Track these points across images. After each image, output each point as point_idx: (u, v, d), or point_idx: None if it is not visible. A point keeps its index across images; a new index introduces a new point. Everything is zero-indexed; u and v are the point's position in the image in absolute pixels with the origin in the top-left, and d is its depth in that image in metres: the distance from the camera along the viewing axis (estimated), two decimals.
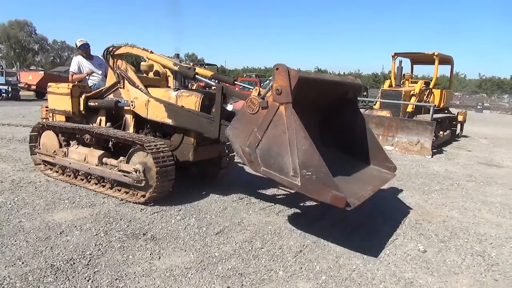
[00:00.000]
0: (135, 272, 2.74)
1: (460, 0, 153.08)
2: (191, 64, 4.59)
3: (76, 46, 6.22)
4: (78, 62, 6.09)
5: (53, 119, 5.34)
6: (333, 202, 2.78)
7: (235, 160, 5.40)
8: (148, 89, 4.50)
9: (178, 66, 4.24)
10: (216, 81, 4.30)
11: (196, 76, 4.18)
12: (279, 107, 3.04)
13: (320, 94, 3.69)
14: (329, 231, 3.70)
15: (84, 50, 6.17)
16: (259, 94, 3.31)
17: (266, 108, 3.12)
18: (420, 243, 3.61)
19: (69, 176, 4.77)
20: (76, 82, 5.45)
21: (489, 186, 6.11)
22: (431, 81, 11.79)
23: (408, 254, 3.35)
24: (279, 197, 4.79)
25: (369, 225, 3.98)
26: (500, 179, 6.67)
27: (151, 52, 4.55)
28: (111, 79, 4.90)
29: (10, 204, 3.88)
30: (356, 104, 4.23)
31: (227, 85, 4.29)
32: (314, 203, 4.63)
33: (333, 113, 4.09)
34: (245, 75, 37.89)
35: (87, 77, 6.01)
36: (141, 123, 4.68)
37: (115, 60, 4.77)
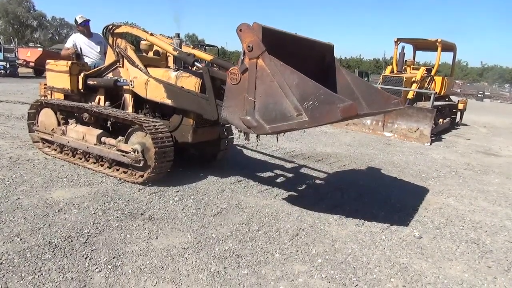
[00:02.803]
0: (132, 251, 2.77)
1: None
2: (191, 46, 4.53)
3: (76, 22, 6.10)
4: (74, 40, 6.00)
5: (51, 96, 5.29)
6: (345, 114, 2.70)
7: (234, 143, 5.40)
8: (148, 68, 4.44)
9: (178, 52, 4.17)
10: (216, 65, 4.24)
11: (195, 63, 4.13)
12: (257, 62, 3.01)
13: (297, 55, 3.57)
14: (326, 216, 3.73)
15: (85, 26, 6.07)
16: None
17: (246, 70, 3.09)
18: (415, 229, 3.64)
19: (67, 154, 4.76)
20: (74, 59, 5.38)
21: (486, 175, 6.14)
22: (433, 68, 11.71)
23: (404, 239, 3.38)
24: (277, 180, 4.81)
25: (365, 210, 4.00)
26: (497, 168, 6.70)
27: (151, 34, 4.47)
28: (110, 57, 4.83)
29: (8, 181, 3.88)
30: (335, 67, 4.10)
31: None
32: (311, 188, 4.65)
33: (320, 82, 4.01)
34: None
35: (83, 56, 5.93)
36: (140, 103, 4.64)
37: (115, 38, 4.69)
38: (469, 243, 3.46)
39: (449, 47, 11.89)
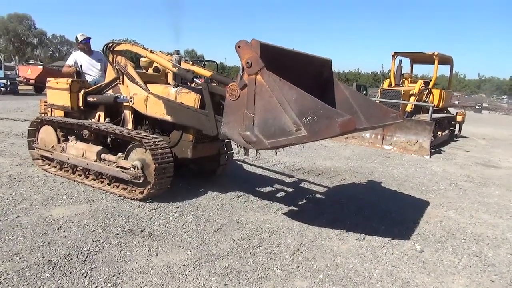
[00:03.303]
0: (132, 269, 2.75)
1: (461, 0, 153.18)
2: (190, 63, 4.58)
3: (77, 40, 6.18)
4: (75, 57, 6.06)
5: (51, 114, 5.32)
6: (343, 129, 2.71)
7: (233, 158, 5.40)
8: (148, 85, 4.48)
9: (177, 68, 4.22)
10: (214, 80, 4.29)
11: (195, 79, 4.17)
12: (256, 78, 3.04)
13: (295, 71, 3.59)
14: (327, 230, 3.71)
15: (85, 44, 6.14)
16: None
17: (245, 86, 3.12)
18: (417, 243, 3.62)
19: (67, 171, 4.75)
20: (75, 77, 5.44)
21: (487, 187, 6.13)
22: (431, 81, 11.80)
23: (405, 254, 3.36)
24: (277, 195, 4.80)
25: (366, 224, 3.99)
26: (497, 180, 6.69)
27: (151, 52, 4.53)
28: (110, 74, 4.88)
29: (7, 199, 3.87)
30: (333, 81, 4.13)
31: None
32: (312, 203, 4.64)
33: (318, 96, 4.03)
34: None
35: (84, 73, 5.99)
36: (140, 119, 4.67)
37: (115, 55, 4.75)
38: (471, 256, 3.43)
39: (445, 60, 12.01)
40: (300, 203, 4.56)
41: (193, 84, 4.34)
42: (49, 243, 3.01)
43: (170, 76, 5.09)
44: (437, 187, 5.85)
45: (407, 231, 3.88)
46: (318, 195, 4.94)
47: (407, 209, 4.64)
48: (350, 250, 3.33)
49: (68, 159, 4.62)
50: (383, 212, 4.41)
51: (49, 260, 2.76)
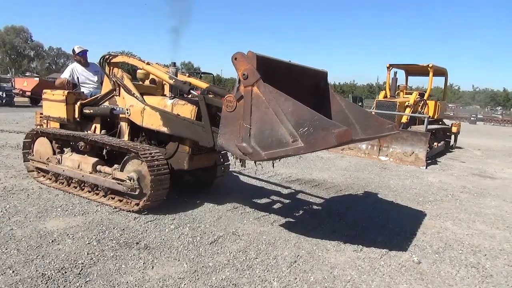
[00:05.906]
0: (127, 282, 2.71)
1: (456, 12, 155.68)
2: (187, 75, 4.60)
3: (74, 52, 6.19)
4: (72, 70, 6.07)
5: (47, 125, 5.31)
6: (340, 140, 2.70)
7: (230, 169, 5.39)
8: (144, 97, 4.48)
9: (174, 80, 4.24)
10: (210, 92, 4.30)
11: (191, 91, 4.18)
12: (252, 89, 3.07)
13: (291, 82, 3.62)
14: (324, 242, 3.69)
15: (82, 56, 6.16)
16: None
17: (242, 97, 3.14)
18: (414, 254, 3.60)
19: (62, 183, 4.72)
20: (71, 88, 5.43)
21: (483, 197, 6.13)
22: (426, 92, 11.90)
23: (403, 265, 3.34)
24: (274, 206, 4.78)
25: (363, 236, 3.97)
26: (493, 191, 6.71)
27: (148, 64, 4.54)
28: (106, 86, 4.88)
29: (1, 212, 3.82)
30: (329, 93, 4.17)
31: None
32: (309, 214, 4.62)
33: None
34: None
35: (81, 85, 5.99)
36: (136, 131, 4.66)
37: (111, 67, 4.75)
38: (468, 267, 3.42)
39: (440, 72, 12.12)
40: (297, 214, 4.54)
41: (190, 96, 4.35)
42: (43, 256, 2.97)
43: (166, 88, 5.10)
44: (433, 198, 5.86)
45: (404, 242, 3.87)
46: (315, 207, 4.93)
47: (404, 220, 4.63)
48: (347, 262, 3.31)
49: (64, 171, 4.59)
50: (380, 223, 4.40)
51: (43, 273, 2.72)
